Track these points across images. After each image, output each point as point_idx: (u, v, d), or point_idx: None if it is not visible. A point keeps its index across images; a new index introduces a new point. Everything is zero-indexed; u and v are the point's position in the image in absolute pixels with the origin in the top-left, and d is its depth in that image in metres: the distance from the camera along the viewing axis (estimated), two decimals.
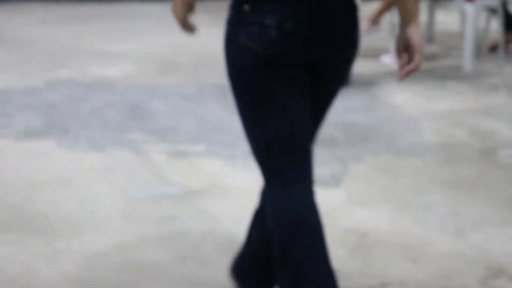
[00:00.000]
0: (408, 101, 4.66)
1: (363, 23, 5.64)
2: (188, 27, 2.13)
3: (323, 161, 3.62)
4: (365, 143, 3.87)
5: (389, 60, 5.55)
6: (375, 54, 5.82)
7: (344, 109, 4.45)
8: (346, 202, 3.16)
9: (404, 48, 2.01)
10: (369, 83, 5.06)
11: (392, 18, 5.81)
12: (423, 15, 6.18)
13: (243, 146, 3.79)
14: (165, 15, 7.42)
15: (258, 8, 1.91)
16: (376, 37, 6.05)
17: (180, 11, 2.09)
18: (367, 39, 6.08)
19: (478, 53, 5.73)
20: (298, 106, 2.01)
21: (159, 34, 6.48)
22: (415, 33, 1.99)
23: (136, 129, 4.04)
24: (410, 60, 2.01)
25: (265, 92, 1.96)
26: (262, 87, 1.95)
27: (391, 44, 5.81)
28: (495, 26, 5.88)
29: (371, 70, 5.40)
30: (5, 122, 4.13)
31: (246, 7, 1.92)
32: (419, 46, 1.99)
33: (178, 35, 6.71)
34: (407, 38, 1.99)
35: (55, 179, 3.33)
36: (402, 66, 2.01)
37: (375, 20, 5.59)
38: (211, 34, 6.60)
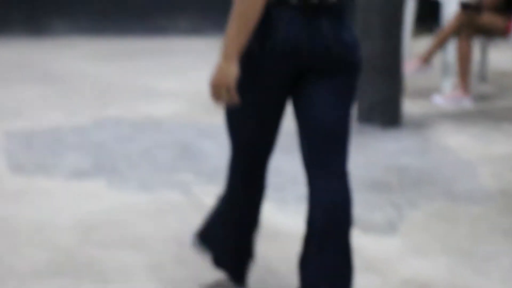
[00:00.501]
0: (462, 143, 4.56)
1: (414, 62, 5.56)
2: (234, 97, 2.23)
3: (377, 206, 3.54)
4: (420, 188, 3.78)
5: (441, 101, 5.45)
6: (426, 94, 5.73)
7: (396, 152, 4.37)
8: (402, 251, 3.07)
9: None
10: (420, 124, 4.97)
11: (444, 56, 5.72)
12: (475, 54, 6.08)
13: (294, 189, 3.73)
14: (211, 52, 7.43)
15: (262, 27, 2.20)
16: (427, 76, 5.97)
17: (232, 76, 2.19)
18: (417, 78, 6.00)
19: None
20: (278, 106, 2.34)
21: (205, 71, 6.45)
22: None
23: (186, 170, 4.00)
24: None
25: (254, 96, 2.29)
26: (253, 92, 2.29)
27: (443, 83, 5.72)
28: None
29: (422, 110, 5.31)
30: (54, 161, 4.11)
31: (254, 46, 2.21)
32: None
33: None
34: None
35: (106, 222, 3.29)
36: None
37: (427, 59, 5.51)
38: None
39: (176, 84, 6.04)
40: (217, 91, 2.19)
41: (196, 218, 3.35)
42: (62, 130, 4.68)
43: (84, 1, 7.94)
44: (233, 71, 2.17)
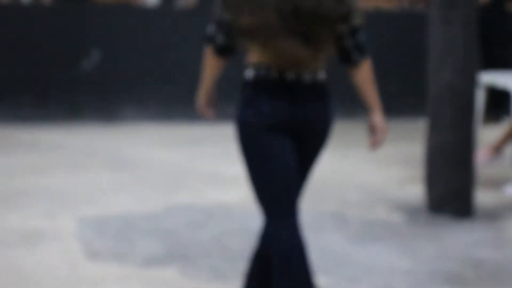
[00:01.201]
0: None
1: (485, 151, 5.51)
2: (207, 113, 3.01)
3: None
4: (498, 284, 3.69)
5: None
6: (498, 184, 5.66)
7: (470, 244, 4.29)
8: None
9: (371, 129, 2.90)
10: (493, 215, 4.89)
11: None
12: None
13: (370, 280, 3.67)
14: None
15: (256, 99, 2.77)
16: (499, 166, 5.91)
17: (202, 99, 3.00)
18: (489, 168, 5.93)
19: None
20: (288, 159, 2.82)
21: None
22: (378, 118, 2.90)
23: None
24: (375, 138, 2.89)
25: (263, 148, 2.79)
26: (261, 146, 2.79)
27: None
28: None
29: (494, 201, 5.23)
30: (127, 248, 4.14)
31: (249, 97, 2.79)
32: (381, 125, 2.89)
33: None
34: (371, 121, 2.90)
35: None
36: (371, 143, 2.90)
37: (498, 148, 5.45)
38: (327, 156, 6.61)
39: (243, 170, 6.07)
40: (197, 109, 3.01)
41: None
42: (134, 216, 4.73)
43: (152, 88, 8.11)
44: (201, 96, 2.98)
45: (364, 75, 2.86)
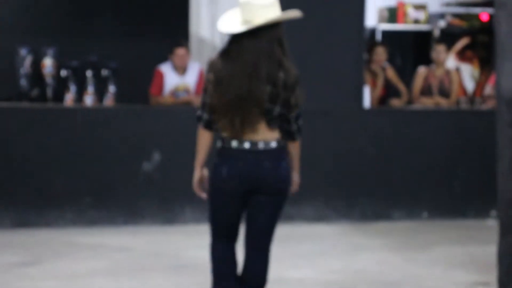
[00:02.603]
0: None
1: None
2: (201, 195, 4.21)
3: None
4: None
5: None
6: None
7: None
8: None
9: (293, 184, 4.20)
10: None
11: None
12: None
13: None
14: (340, 237, 7.37)
15: (221, 161, 4.06)
16: None
17: (196, 182, 4.19)
18: None
19: None
20: (235, 210, 4.14)
21: (335, 258, 6.39)
22: (296, 174, 4.19)
23: None
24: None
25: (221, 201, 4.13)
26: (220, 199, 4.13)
27: None
28: None
29: None
30: None
31: (217, 160, 4.09)
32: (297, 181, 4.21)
33: (357, 260, 6.61)
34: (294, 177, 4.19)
35: None
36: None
37: None
38: (393, 259, 6.49)
39: (306, 273, 5.98)
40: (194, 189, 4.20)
41: None
42: None
43: None
44: (196, 175, 4.17)
45: (297, 148, 4.14)
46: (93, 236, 7.33)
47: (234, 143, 3.99)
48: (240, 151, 3.98)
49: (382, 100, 8.75)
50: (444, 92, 8.68)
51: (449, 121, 8.34)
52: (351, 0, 8.05)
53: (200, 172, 4.13)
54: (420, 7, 10.38)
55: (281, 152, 4.04)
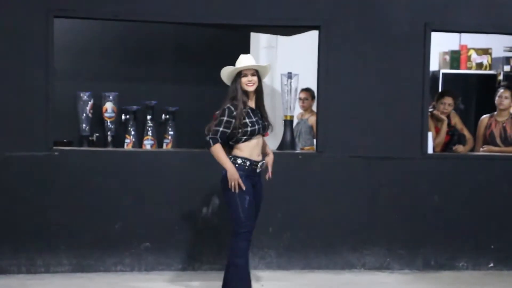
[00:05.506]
0: None
1: None
2: (242, 185, 5.98)
3: None
4: None
5: None
6: None
7: None
8: None
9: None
10: None
11: None
12: None
13: None
14: (402, 286, 7.21)
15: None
16: None
17: (236, 173, 5.97)
18: None
19: None
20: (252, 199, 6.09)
21: None
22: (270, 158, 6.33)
23: None
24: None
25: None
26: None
27: None
28: None
29: None
30: None
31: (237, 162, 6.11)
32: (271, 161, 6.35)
33: None
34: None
35: None
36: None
37: None
38: None
39: None
40: (232, 182, 5.92)
41: None
42: None
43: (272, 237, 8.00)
44: (233, 172, 5.96)
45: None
46: (151, 282, 7.27)
47: (249, 161, 6.18)
48: (254, 166, 6.19)
49: (446, 146, 8.58)
50: (508, 139, 8.47)
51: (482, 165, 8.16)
52: (415, 47, 7.97)
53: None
54: (483, 51, 10.23)
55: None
